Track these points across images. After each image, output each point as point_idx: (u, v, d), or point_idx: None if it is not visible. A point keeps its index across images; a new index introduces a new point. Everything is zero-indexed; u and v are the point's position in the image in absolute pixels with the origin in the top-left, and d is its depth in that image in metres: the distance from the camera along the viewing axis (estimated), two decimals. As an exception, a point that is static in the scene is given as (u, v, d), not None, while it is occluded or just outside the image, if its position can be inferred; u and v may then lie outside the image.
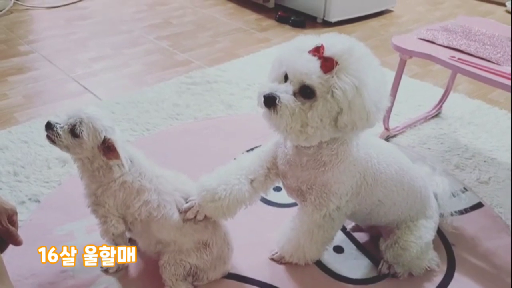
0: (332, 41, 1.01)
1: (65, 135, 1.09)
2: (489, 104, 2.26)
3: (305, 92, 1.00)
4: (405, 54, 1.72)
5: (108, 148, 1.10)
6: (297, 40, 1.07)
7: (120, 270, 1.29)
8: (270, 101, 1.00)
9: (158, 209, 1.16)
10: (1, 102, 2.13)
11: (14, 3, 3.27)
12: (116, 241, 1.22)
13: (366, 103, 0.98)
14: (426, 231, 1.27)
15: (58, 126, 1.09)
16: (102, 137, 1.09)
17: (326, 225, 1.20)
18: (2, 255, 1.03)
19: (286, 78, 1.04)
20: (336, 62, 0.97)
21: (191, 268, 1.20)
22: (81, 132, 1.07)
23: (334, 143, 1.10)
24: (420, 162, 1.50)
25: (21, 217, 1.44)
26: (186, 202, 1.19)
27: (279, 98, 0.99)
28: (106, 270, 1.29)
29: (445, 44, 1.72)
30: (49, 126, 1.10)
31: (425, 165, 1.46)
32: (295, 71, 1.00)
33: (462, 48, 1.67)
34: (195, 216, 1.17)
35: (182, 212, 1.18)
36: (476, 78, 1.54)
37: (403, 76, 1.85)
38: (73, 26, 3.07)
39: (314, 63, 0.98)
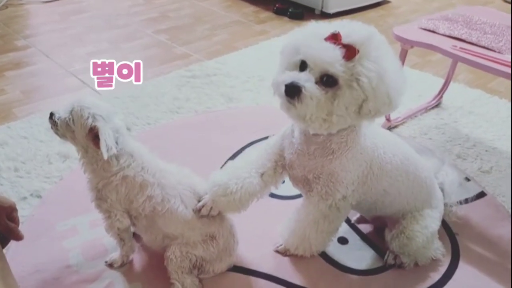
0: (349, 28, 0.99)
1: (61, 123, 1.11)
2: (489, 94, 2.26)
3: (327, 81, 0.98)
4: (407, 44, 1.72)
5: (97, 137, 1.08)
6: (311, 27, 1.04)
7: (125, 264, 1.28)
8: (294, 90, 0.97)
9: (162, 204, 1.15)
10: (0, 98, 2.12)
11: (9, -3, 3.24)
12: (121, 236, 1.22)
13: (389, 88, 0.97)
14: (431, 221, 1.27)
15: (57, 115, 1.12)
16: (89, 125, 1.08)
17: (332, 215, 1.20)
18: (5, 250, 1.03)
19: (302, 66, 1.02)
20: (357, 50, 0.96)
21: (197, 260, 1.19)
22: (70, 120, 1.09)
23: (344, 130, 1.09)
24: (428, 154, 1.49)
25: (23, 213, 1.44)
26: (199, 201, 1.19)
27: (305, 88, 0.97)
28: (110, 265, 1.28)
29: (447, 33, 1.71)
30: (51, 115, 1.14)
31: (433, 157, 1.45)
32: (316, 60, 0.97)
33: (463, 37, 1.66)
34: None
35: (196, 211, 1.18)
36: (479, 67, 1.53)
37: (403, 66, 1.84)
38: (69, 20, 3.04)
39: (336, 51, 0.95)
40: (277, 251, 1.34)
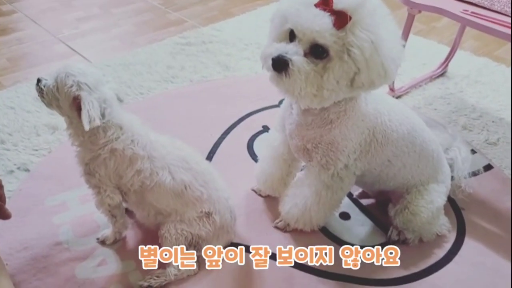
0: None
1: (47, 90, 1.05)
2: (496, 62, 2.17)
3: (317, 52, 0.92)
4: (414, 8, 1.62)
5: (79, 105, 1.02)
6: None
7: (118, 241, 1.23)
8: (280, 64, 0.92)
9: (150, 178, 1.09)
10: (-16, 66, 2.02)
11: (-6, -40, 3.08)
12: (112, 212, 1.16)
13: (384, 59, 0.90)
14: (437, 195, 1.22)
15: (44, 81, 1.06)
16: (72, 94, 1.01)
17: (335, 186, 1.14)
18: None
19: (291, 36, 0.96)
20: (349, 17, 0.88)
21: (192, 238, 1.14)
22: (53, 88, 1.03)
23: (342, 99, 1.03)
24: (440, 128, 1.43)
25: (10, 187, 1.38)
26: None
27: (292, 62, 0.91)
28: (102, 242, 1.23)
29: (456, -4, 1.61)
30: (38, 81, 1.08)
31: (445, 132, 1.39)
32: (305, 29, 0.91)
33: (475, 1, 1.57)
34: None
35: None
36: (490, 33, 1.45)
37: (407, 33, 1.75)
38: (58, -16, 2.90)
39: (326, 19, 0.89)
40: (277, 227, 1.29)
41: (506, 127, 1.75)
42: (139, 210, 1.17)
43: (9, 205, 1.15)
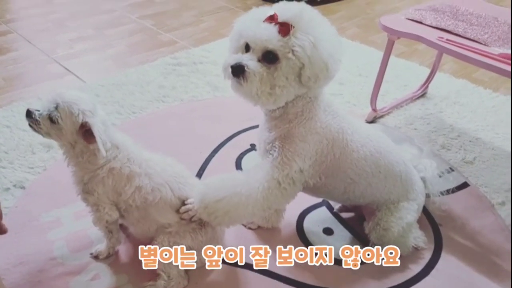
0: (283, 8, 1.07)
1: (43, 121, 1.08)
2: (474, 84, 2.27)
3: (268, 58, 1.06)
4: (393, 35, 1.71)
5: (87, 132, 1.08)
6: (251, 13, 1.12)
7: (111, 256, 1.28)
8: (238, 70, 1.05)
9: (153, 194, 1.15)
10: (-20, 85, 2.07)
11: (-11, -20, 3.15)
12: (109, 228, 1.21)
13: (323, 55, 1.04)
14: (407, 212, 1.29)
15: (37, 113, 1.08)
16: (80, 121, 1.06)
17: (287, 187, 1.16)
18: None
19: (246, 49, 1.10)
20: (292, 25, 1.04)
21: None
22: (58, 118, 1.06)
23: (299, 101, 1.15)
24: (407, 143, 1.51)
25: (6, 204, 1.42)
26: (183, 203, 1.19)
27: (247, 66, 1.05)
28: (96, 257, 1.28)
29: (433, 24, 1.71)
30: (28, 114, 1.08)
31: (412, 146, 1.47)
32: (256, 39, 1.05)
33: (450, 28, 1.67)
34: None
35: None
36: (464, 60, 1.54)
37: (390, 56, 1.85)
38: (52, 4, 2.97)
39: (272, 29, 1.04)
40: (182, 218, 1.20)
41: (482, 146, 1.83)
42: (139, 225, 1.20)
43: (5, 221, 1.18)
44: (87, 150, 1.11)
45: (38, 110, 1.08)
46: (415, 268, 1.31)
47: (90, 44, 2.52)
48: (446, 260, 1.34)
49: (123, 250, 1.31)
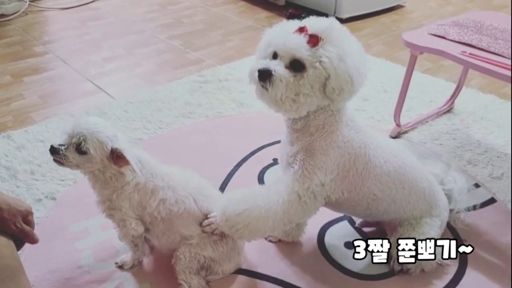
0: (313, 21, 1.10)
1: (72, 155, 1.10)
2: (502, 99, 2.24)
3: (295, 66, 1.07)
4: (416, 50, 1.72)
5: (117, 157, 1.12)
6: (281, 24, 1.15)
7: (135, 266, 1.32)
8: (265, 74, 1.07)
9: (177, 205, 1.19)
10: (18, 102, 2.18)
11: (29, 4, 3.33)
12: (135, 242, 1.26)
13: (349, 68, 1.06)
14: (429, 228, 1.28)
15: (63, 148, 1.09)
16: (110, 148, 1.11)
17: (308, 201, 1.16)
18: (20, 251, 1.06)
19: (274, 56, 1.11)
20: (321, 38, 1.06)
21: (205, 261, 1.22)
22: (88, 149, 1.08)
23: (322, 114, 1.15)
24: (435, 159, 1.50)
25: (38, 214, 1.48)
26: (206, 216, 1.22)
27: (275, 71, 1.06)
28: (121, 266, 1.31)
29: (456, 39, 1.70)
30: (54, 151, 1.10)
31: (440, 162, 1.46)
32: (285, 47, 1.08)
33: (473, 43, 1.66)
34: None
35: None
36: (488, 73, 1.53)
37: (415, 72, 1.85)
38: (86, 26, 3.11)
39: (302, 39, 1.07)
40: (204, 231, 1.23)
41: (510, 162, 1.80)
42: (164, 237, 1.23)
43: (36, 231, 1.23)
44: (115, 172, 1.15)
45: (63, 145, 1.10)
46: (439, 284, 1.29)
47: (120, 63, 2.62)
48: (471, 276, 1.32)
49: (146, 260, 1.34)
